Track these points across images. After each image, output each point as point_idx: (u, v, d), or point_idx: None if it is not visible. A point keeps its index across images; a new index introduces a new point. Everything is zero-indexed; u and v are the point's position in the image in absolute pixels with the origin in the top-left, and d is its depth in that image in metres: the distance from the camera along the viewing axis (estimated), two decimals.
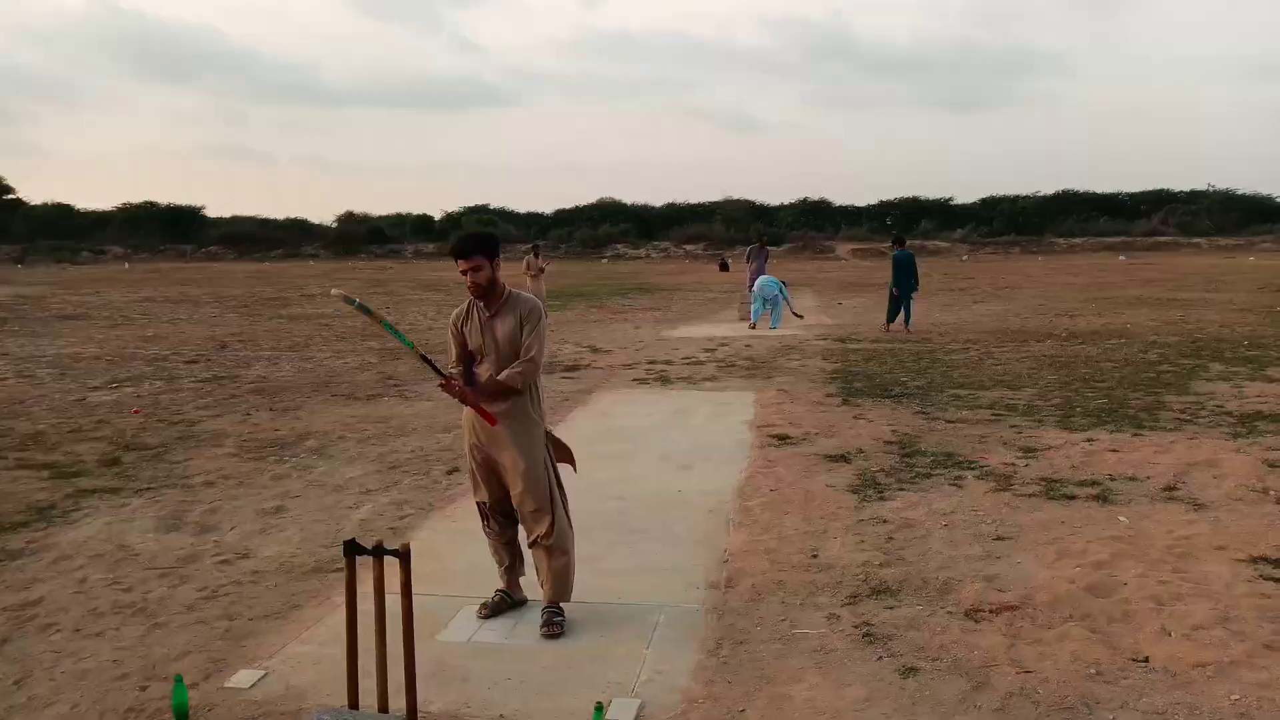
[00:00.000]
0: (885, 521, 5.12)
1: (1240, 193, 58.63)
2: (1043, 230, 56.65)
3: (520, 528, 3.99)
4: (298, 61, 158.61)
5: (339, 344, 14.52)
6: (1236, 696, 3.15)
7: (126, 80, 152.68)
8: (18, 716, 3.21)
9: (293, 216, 68.23)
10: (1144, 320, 16.32)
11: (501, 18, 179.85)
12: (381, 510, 5.59)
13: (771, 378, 10.42)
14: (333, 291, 3.71)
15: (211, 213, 67.96)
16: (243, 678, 3.43)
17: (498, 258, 3.82)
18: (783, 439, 7.19)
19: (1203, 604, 3.89)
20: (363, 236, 62.74)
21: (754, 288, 16.89)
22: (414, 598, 2.95)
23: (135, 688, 3.39)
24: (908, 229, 51.92)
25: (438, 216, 67.81)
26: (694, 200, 65.94)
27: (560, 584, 3.87)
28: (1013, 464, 6.32)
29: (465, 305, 3.90)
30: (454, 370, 3.88)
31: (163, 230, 62.62)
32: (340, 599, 3.81)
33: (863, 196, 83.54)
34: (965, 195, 73.96)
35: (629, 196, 70.44)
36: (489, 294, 3.79)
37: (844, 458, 6.56)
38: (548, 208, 71.66)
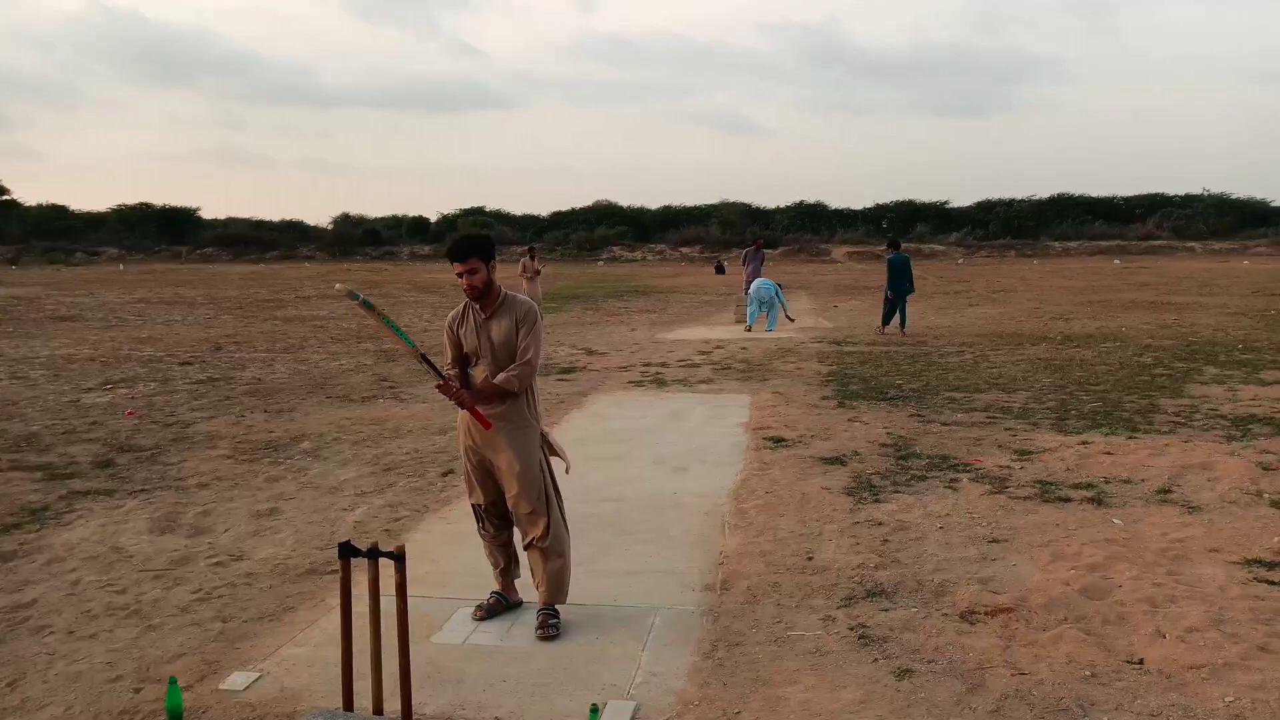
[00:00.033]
0: (880, 524, 5.12)
1: (1234, 197, 58.85)
2: (1038, 234, 56.78)
3: (515, 530, 3.99)
4: (295, 64, 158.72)
5: (334, 346, 14.50)
6: (1231, 698, 3.16)
7: (123, 83, 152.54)
8: (11, 719, 3.20)
9: (289, 218, 68.28)
10: (1138, 324, 16.36)
11: (499, 22, 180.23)
12: (376, 512, 5.58)
13: (767, 380, 10.43)
14: (337, 286, 3.71)
15: (208, 214, 67.98)
16: (237, 680, 3.42)
17: (493, 260, 3.82)
18: (778, 441, 7.19)
19: (1197, 606, 3.90)
20: (358, 238, 62.65)
21: (750, 290, 16.91)
22: (409, 599, 2.95)
23: (129, 690, 3.38)
24: (903, 232, 52.09)
25: (434, 219, 67.85)
26: (690, 203, 66.08)
27: (555, 586, 3.87)
28: (1008, 466, 6.33)
29: (461, 307, 3.91)
30: (451, 372, 3.87)
31: (158, 231, 62.51)
32: (334, 601, 3.80)
33: (859, 200, 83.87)
34: (961, 199, 74.22)
35: (625, 199, 70.60)
36: (485, 296, 3.79)
37: (839, 460, 6.57)
38: (544, 210, 71.86)
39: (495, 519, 3.99)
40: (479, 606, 3.99)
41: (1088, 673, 3.36)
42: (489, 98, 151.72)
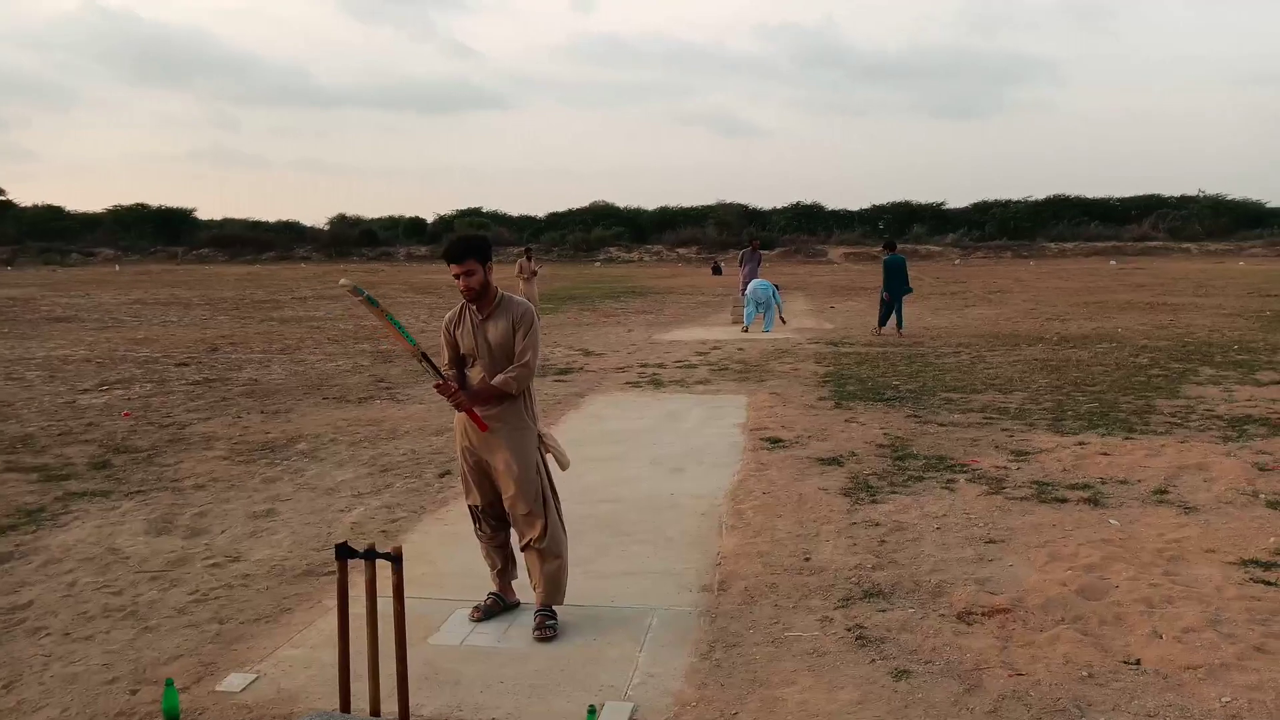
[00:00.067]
0: (877, 524, 5.13)
1: (1230, 198, 58.99)
2: (1034, 235, 56.88)
3: (513, 531, 3.99)
4: (291, 64, 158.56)
5: (330, 346, 14.49)
6: (1227, 699, 3.16)
7: (119, 84, 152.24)
8: None
9: (285, 219, 68.20)
10: (1134, 324, 16.39)
11: (495, 22, 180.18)
12: (373, 513, 5.57)
13: (764, 381, 10.43)
14: (341, 281, 3.71)
15: (204, 215, 67.91)
16: (233, 681, 3.41)
17: (490, 261, 3.83)
18: (775, 442, 7.20)
19: (1193, 606, 3.90)
20: (355, 239, 62.59)
21: (747, 291, 16.91)
22: (406, 601, 2.95)
23: (125, 691, 3.37)
24: (900, 233, 52.07)
25: (430, 219, 67.82)
26: (687, 204, 66.09)
27: (553, 587, 3.87)
28: (1004, 467, 6.33)
29: (458, 308, 3.91)
30: (448, 373, 3.87)
31: (153, 232, 62.42)
32: (331, 602, 3.80)
33: (855, 201, 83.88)
34: (957, 200, 74.18)
35: (622, 200, 70.60)
36: (481, 297, 3.79)
37: (836, 461, 6.57)
38: (540, 211, 71.76)
39: (492, 520, 3.99)
40: (476, 608, 3.99)
41: (1085, 673, 3.37)
42: (485, 98, 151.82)
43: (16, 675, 3.51)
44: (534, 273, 18.75)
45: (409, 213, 71.48)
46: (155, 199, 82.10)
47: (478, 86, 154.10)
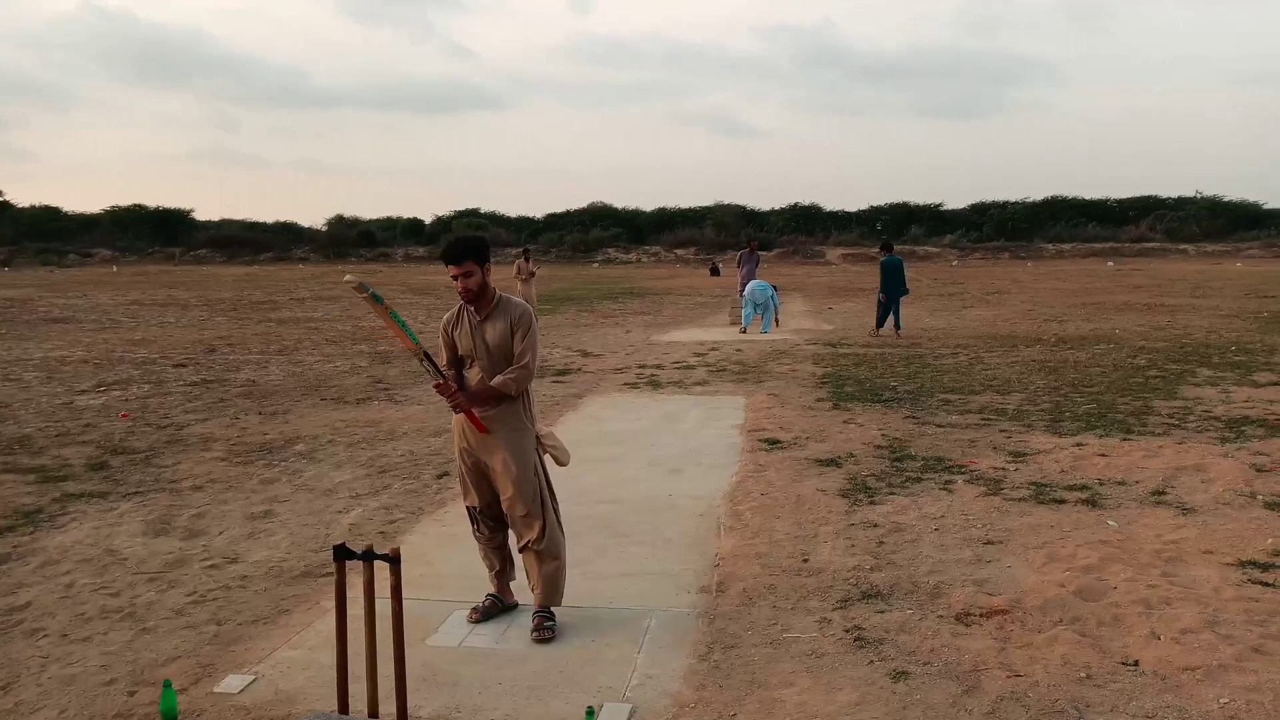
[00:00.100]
0: (876, 526, 5.13)
1: (1227, 199, 59.23)
2: (1032, 236, 56.99)
3: (510, 532, 3.99)
4: (289, 65, 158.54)
5: (328, 348, 14.48)
6: (1225, 700, 3.16)
7: (117, 84, 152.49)
8: None
9: (283, 220, 68.22)
10: (1132, 325, 16.41)
11: (493, 23, 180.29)
12: (371, 514, 5.57)
13: (762, 382, 10.43)
14: (346, 277, 3.69)
15: (202, 216, 67.90)
16: (231, 683, 3.41)
17: (488, 262, 3.83)
18: (773, 443, 7.20)
19: (1191, 608, 3.91)
20: (353, 240, 62.63)
21: (745, 292, 16.92)
22: (404, 602, 2.94)
23: (123, 693, 3.37)
24: (898, 234, 52.21)
25: (428, 220, 67.88)
26: (685, 205, 66.26)
27: (551, 588, 3.86)
28: (1002, 468, 6.34)
29: (456, 310, 3.91)
30: (447, 374, 3.87)
31: (151, 233, 62.42)
32: (329, 603, 3.80)
33: (853, 202, 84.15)
34: (955, 201, 74.28)
35: (620, 201, 70.60)
36: (480, 299, 3.79)
37: (834, 462, 6.58)
38: (539, 212, 71.84)
39: (490, 521, 3.99)
40: (474, 609, 3.98)
41: (1083, 674, 3.37)
42: (483, 99, 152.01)
43: (14, 677, 3.50)
44: (532, 274, 18.75)
45: (407, 213, 71.62)
46: (154, 199, 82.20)
47: (476, 87, 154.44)
